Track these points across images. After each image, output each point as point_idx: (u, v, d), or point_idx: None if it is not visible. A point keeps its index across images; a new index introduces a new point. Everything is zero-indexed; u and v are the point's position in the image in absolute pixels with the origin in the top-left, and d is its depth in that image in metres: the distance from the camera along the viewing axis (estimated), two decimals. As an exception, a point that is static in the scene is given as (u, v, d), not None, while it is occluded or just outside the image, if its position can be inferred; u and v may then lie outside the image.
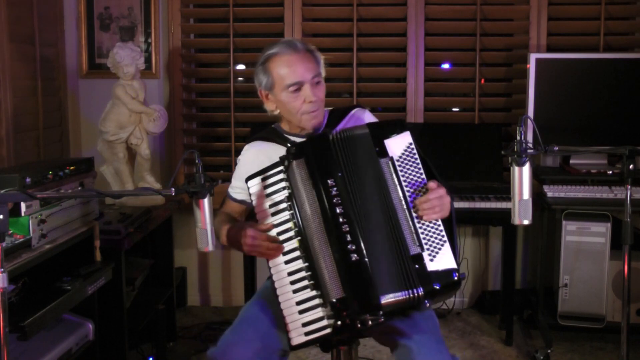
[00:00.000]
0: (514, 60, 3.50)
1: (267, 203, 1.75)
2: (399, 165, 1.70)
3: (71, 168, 2.30)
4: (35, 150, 3.12)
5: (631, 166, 1.92)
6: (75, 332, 2.21)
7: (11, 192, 1.43)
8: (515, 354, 3.03)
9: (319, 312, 1.64)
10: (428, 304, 1.64)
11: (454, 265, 1.63)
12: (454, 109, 3.73)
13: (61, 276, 2.15)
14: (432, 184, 1.67)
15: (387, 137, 1.73)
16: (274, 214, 1.74)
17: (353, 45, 3.45)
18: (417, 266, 1.61)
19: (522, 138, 1.73)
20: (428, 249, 1.63)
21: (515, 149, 1.73)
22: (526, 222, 1.75)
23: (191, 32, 3.67)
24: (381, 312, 1.57)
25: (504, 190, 3.04)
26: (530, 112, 3.15)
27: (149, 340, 2.93)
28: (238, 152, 3.50)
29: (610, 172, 3.04)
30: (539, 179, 3.06)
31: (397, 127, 1.74)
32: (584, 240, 2.98)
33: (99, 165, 2.83)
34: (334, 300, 1.60)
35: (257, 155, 1.97)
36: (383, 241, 1.64)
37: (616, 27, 3.41)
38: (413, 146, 1.72)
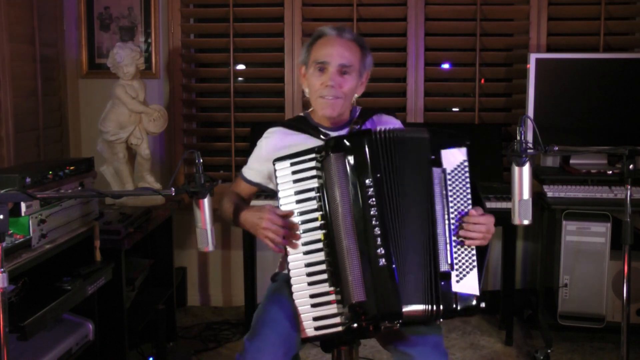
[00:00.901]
0: (514, 60, 3.50)
1: (294, 189, 1.71)
2: (449, 180, 1.66)
3: (71, 168, 2.30)
4: (35, 150, 3.12)
5: (631, 166, 1.92)
6: (75, 332, 2.20)
7: (11, 192, 1.43)
8: (515, 354, 3.03)
9: (332, 309, 1.62)
10: (441, 320, 1.65)
11: (477, 291, 1.63)
12: (454, 109, 3.73)
13: (61, 276, 2.15)
14: (478, 211, 1.66)
15: (445, 147, 1.68)
16: (299, 202, 1.70)
17: (353, 45, 3.44)
18: (443, 283, 1.60)
19: (522, 138, 1.73)
20: (457, 270, 1.63)
21: (515, 149, 1.73)
22: (526, 222, 1.75)
23: (191, 32, 3.67)
24: (399, 321, 1.57)
25: (504, 190, 3.04)
26: (530, 112, 3.15)
27: (149, 340, 2.93)
28: (238, 152, 3.56)
29: (610, 172, 3.04)
30: (539, 179, 3.06)
31: (457, 140, 1.70)
32: (584, 240, 2.98)
33: (99, 165, 2.83)
34: (354, 302, 1.57)
35: (282, 140, 1.93)
36: (415, 250, 1.61)
37: (616, 27, 3.41)
38: (467, 164, 1.69)
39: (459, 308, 1.60)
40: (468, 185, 1.68)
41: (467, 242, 1.65)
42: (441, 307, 1.59)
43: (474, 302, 1.62)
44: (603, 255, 2.97)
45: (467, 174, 1.68)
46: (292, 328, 1.70)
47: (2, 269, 1.40)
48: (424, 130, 1.71)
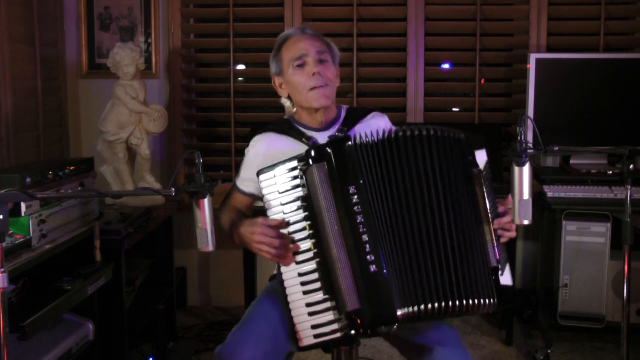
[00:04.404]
0: (514, 60, 3.50)
1: (280, 200, 1.69)
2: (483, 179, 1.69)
3: (71, 168, 2.30)
4: (35, 150, 3.12)
5: (631, 166, 1.93)
6: (75, 332, 2.21)
7: (11, 192, 1.43)
8: (515, 354, 3.03)
9: (329, 316, 1.61)
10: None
11: (511, 281, 1.68)
12: (454, 109, 3.73)
13: (61, 276, 2.15)
14: (509, 200, 1.69)
15: (476, 149, 1.70)
16: (286, 212, 1.68)
17: (353, 45, 3.45)
18: (494, 278, 1.63)
19: (522, 138, 1.73)
20: (499, 263, 1.66)
21: (516, 149, 1.73)
22: (526, 222, 1.74)
23: (191, 32, 3.67)
24: (395, 325, 1.56)
25: (504, 190, 3.03)
26: (530, 112, 3.15)
27: (149, 340, 2.93)
28: (238, 152, 3.55)
29: (610, 172, 3.04)
30: (539, 179, 3.06)
31: (481, 143, 1.72)
32: (584, 240, 2.98)
33: (99, 165, 2.83)
34: (349, 310, 1.57)
35: (268, 147, 1.93)
36: (423, 251, 1.59)
37: (616, 27, 3.41)
38: (489, 164, 1.72)
39: (506, 298, 1.65)
40: (491, 185, 1.71)
41: (506, 236, 1.69)
42: (495, 300, 1.62)
43: (513, 291, 1.70)
44: (603, 255, 2.97)
45: (489, 174, 1.72)
46: (280, 325, 1.70)
47: (2, 269, 1.40)
48: (460, 131, 1.70)
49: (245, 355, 1.63)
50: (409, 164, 1.63)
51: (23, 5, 3.04)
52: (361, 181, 1.61)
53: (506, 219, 1.69)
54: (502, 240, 1.70)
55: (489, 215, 1.67)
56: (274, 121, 2.03)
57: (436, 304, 1.56)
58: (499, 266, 1.66)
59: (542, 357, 2.87)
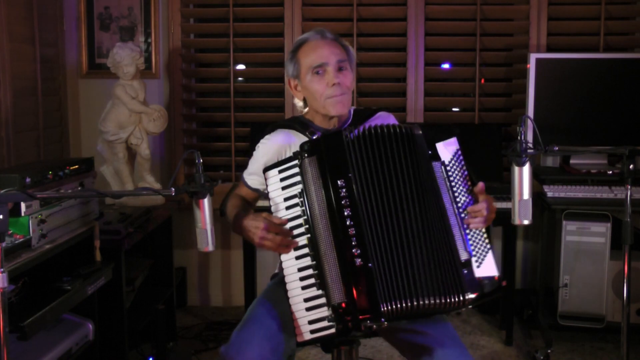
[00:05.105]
0: (514, 60, 3.50)
1: (282, 197, 1.72)
2: (449, 171, 1.69)
3: (71, 168, 2.30)
4: (35, 150, 3.12)
5: (631, 166, 1.92)
6: (75, 332, 2.21)
7: (11, 192, 1.43)
8: (515, 354, 3.03)
9: (324, 312, 1.62)
10: (470, 307, 1.64)
11: (496, 272, 1.65)
12: (454, 109, 3.73)
13: (61, 276, 2.15)
14: (481, 187, 1.68)
15: (438, 140, 1.72)
16: (287, 208, 1.71)
17: (353, 45, 3.45)
18: (465, 272, 1.61)
19: (522, 138, 1.73)
20: (475, 255, 1.65)
21: (516, 149, 1.73)
22: (526, 222, 1.75)
23: (191, 32, 3.67)
24: (382, 319, 1.56)
25: (504, 190, 3.04)
26: (530, 112, 3.15)
27: (149, 340, 2.92)
28: (238, 152, 3.56)
29: (610, 172, 3.04)
30: (539, 179, 3.06)
31: (447, 132, 1.73)
32: (584, 240, 2.98)
33: (99, 165, 2.83)
34: (336, 304, 1.58)
35: (279, 143, 1.95)
36: (408, 245, 1.60)
37: (616, 27, 3.41)
38: (460, 152, 1.72)
39: (485, 291, 1.62)
40: (466, 172, 1.71)
41: (472, 226, 1.67)
42: (468, 295, 1.60)
43: (497, 282, 1.64)
44: (603, 255, 2.97)
45: (462, 162, 1.71)
46: (279, 327, 1.71)
47: (2, 269, 1.40)
48: (416, 127, 1.72)
49: (251, 353, 1.64)
50: (387, 160, 1.66)
51: (23, 5, 3.04)
52: (350, 174, 1.64)
53: (478, 206, 1.67)
54: (473, 227, 1.67)
55: (455, 206, 1.67)
56: (283, 120, 2.04)
57: (412, 301, 1.56)
58: (473, 259, 1.64)
59: (542, 357, 2.87)
